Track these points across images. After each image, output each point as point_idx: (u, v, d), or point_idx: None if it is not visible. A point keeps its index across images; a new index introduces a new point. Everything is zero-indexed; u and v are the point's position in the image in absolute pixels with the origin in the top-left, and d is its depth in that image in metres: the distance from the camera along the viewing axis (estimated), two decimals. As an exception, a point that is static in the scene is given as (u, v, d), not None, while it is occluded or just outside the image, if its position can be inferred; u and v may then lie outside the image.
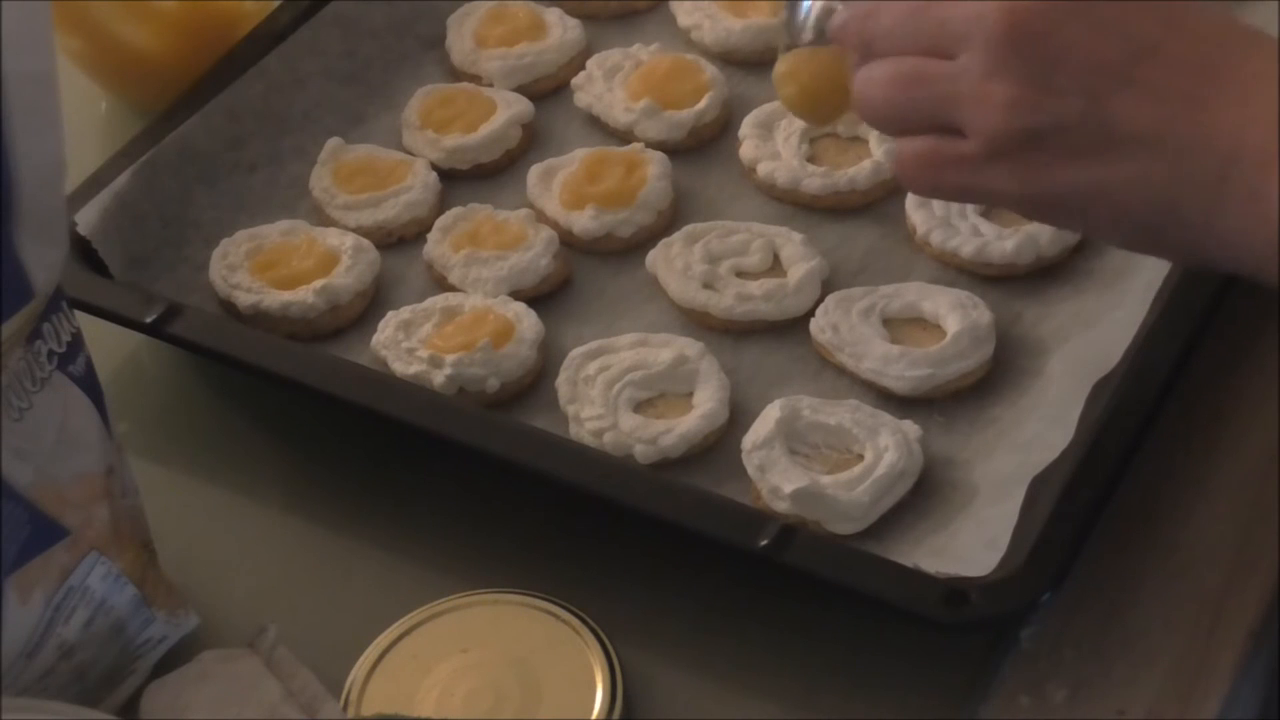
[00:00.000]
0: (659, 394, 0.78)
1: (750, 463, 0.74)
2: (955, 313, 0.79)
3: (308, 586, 0.75)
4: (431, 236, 0.86)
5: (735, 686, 0.70)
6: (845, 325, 0.79)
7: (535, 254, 0.84)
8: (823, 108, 0.77)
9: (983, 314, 0.79)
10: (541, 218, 0.87)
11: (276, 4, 0.98)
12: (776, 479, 0.72)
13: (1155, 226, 0.62)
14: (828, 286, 0.82)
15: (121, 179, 0.87)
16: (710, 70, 0.93)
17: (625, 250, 0.86)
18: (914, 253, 0.84)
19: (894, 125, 0.67)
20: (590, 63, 0.95)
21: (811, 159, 0.88)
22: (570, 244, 0.86)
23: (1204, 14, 0.62)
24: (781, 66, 0.76)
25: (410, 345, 0.80)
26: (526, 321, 0.81)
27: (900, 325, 0.80)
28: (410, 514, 0.77)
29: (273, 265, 0.85)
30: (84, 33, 0.96)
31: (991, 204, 0.70)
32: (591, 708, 0.66)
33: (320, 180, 0.90)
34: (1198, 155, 0.60)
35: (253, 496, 0.79)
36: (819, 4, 0.74)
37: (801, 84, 0.75)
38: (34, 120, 0.56)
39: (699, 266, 0.82)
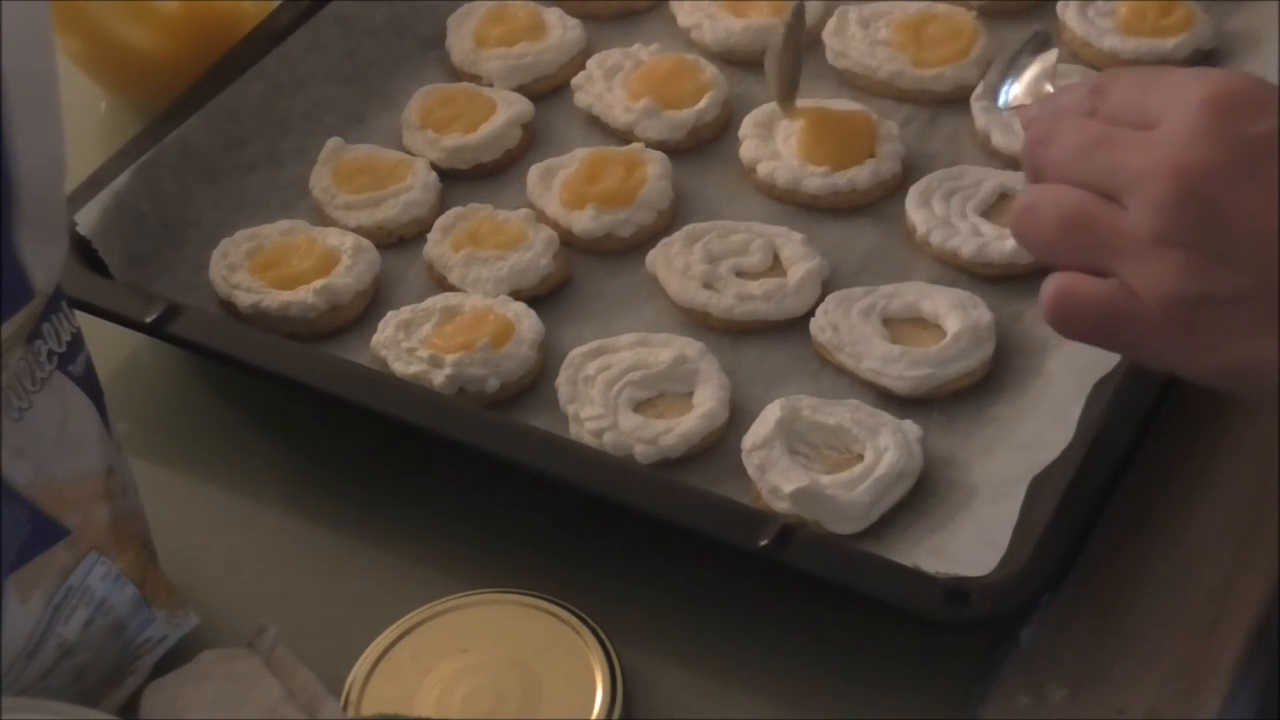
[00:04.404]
0: (659, 394, 0.78)
1: (750, 463, 0.74)
2: (955, 313, 0.79)
3: (308, 586, 0.75)
4: (431, 236, 0.86)
5: (735, 686, 0.70)
6: (845, 325, 0.79)
7: (535, 254, 0.84)
8: (836, 160, 0.86)
9: (983, 314, 0.79)
10: (541, 218, 0.87)
11: (276, 4, 0.98)
12: (776, 479, 0.72)
13: None
14: (828, 286, 0.82)
15: (121, 179, 0.87)
16: (710, 70, 0.93)
17: (625, 250, 0.86)
18: (914, 252, 0.84)
19: (1050, 260, 0.65)
20: (590, 63, 0.95)
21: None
22: (570, 244, 0.86)
23: None
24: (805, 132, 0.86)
25: (410, 345, 0.80)
26: (526, 321, 0.81)
27: (900, 325, 0.80)
28: (410, 514, 0.77)
29: (273, 265, 0.85)
30: (84, 33, 0.96)
31: (1152, 366, 0.69)
32: (591, 708, 0.66)
33: (320, 180, 0.90)
34: None
35: (253, 496, 0.79)
36: (1028, 85, 0.77)
37: (824, 145, 0.87)
38: (34, 120, 0.56)
39: (699, 266, 0.82)
